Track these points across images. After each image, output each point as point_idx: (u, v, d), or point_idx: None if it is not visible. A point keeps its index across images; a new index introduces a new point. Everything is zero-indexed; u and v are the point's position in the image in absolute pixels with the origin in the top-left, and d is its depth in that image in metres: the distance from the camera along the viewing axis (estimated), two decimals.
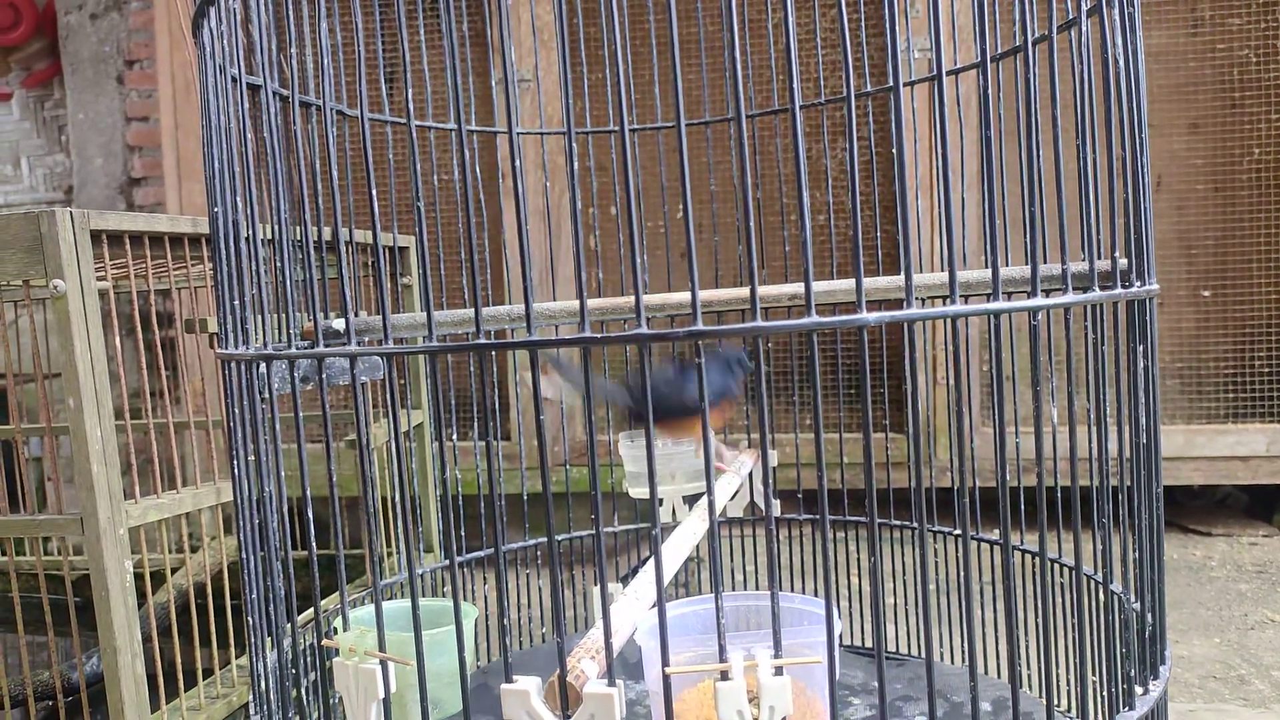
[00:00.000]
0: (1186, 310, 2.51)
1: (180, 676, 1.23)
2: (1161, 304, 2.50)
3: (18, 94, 3.34)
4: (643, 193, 1.44)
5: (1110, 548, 0.83)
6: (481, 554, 1.29)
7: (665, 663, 0.63)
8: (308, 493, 0.75)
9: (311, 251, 0.80)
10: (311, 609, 0.78)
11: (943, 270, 1.12)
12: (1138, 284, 0.80)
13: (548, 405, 2.57)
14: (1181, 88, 2.46)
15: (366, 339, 0.93)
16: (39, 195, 3.36)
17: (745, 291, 0.90)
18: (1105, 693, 0.81)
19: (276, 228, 0.81)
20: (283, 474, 0.80)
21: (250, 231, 0.80)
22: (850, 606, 1.33)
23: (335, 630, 0.75)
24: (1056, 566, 1.09)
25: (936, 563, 1.29)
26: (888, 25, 0.62)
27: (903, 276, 0.63)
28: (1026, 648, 1.19)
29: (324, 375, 0.74)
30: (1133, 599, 0.84)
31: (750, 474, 1.25)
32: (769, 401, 1.39)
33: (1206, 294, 2.50)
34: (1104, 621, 0.86)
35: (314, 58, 0.95)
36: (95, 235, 1.08)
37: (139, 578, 1.14)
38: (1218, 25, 2.44)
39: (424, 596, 1.25)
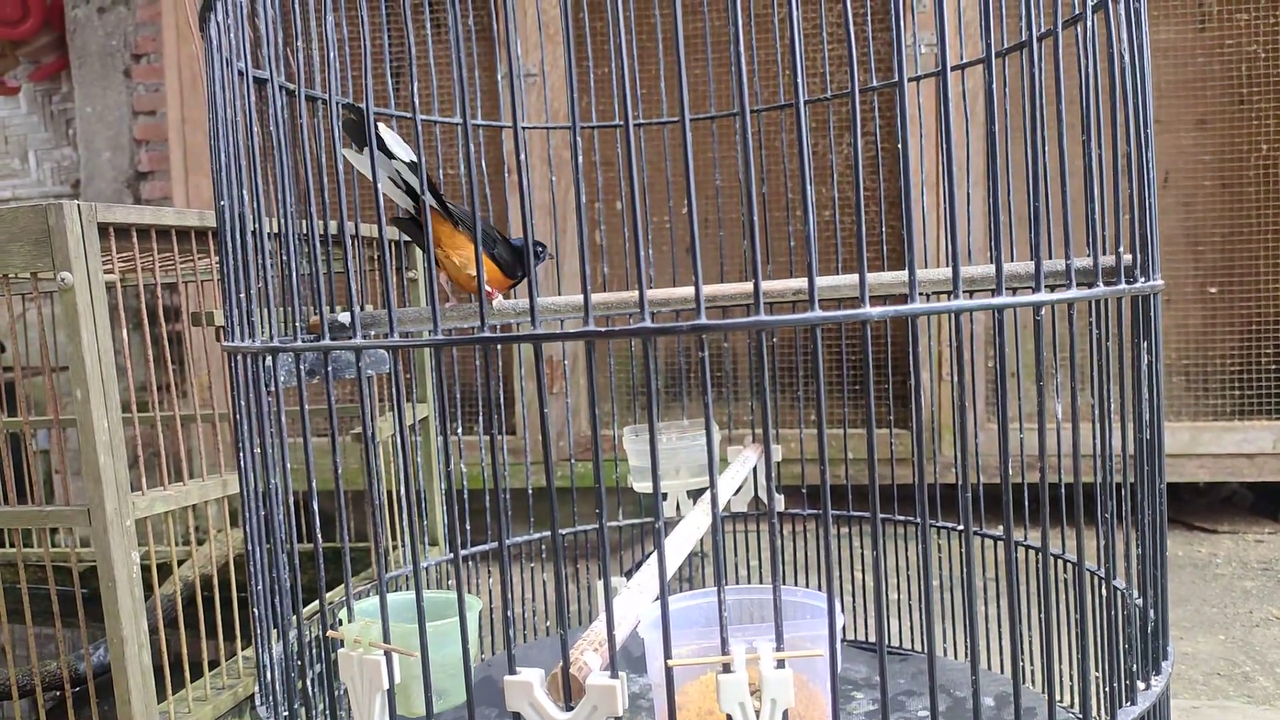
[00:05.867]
0: (1193, 307, 2.51)
1: (186, 668, 1.23)
2: (1168, 301, 2.49)
3: (25, 88, 3.34)
4: (648, 188, 1.44)
5: (1113, 543, 0.83)
6: (486, 548, 1.29)
7: (668, 655, 0.64)
8: (313, 485, 0.76)
9: (317, 245, 0.80)
10: (317, 601, 0.79)
11: (948, 266, 1.12)
12: (1142, 280, 0.80)
13: (553, 398, 2.57)
14: (1189, 83, 2.45)
15: (373, 332, 0.93)
16: (46, 189, 3.37)
17: (749, 286, 0.90)
18: (1107, 688, 0.81)
19: (282, 221, 0.81)
20: (288, 466, 0.81)
21: (256, 225, 0.81)
22: (854, 601, 1.33)
23: (340, 622, 0.75)
24: (1059, 562, 1.10)
25: (940, 558, 1.29)
26: (893, 20, 0.63)
27: (906, 271, 0.63)
28: (1029, 643, 1.19)
29: (330, 368, 0.75)
30: (1135, 594, 0.84)
31: (755, 469, 1.25)
32: (773, 397, 1.39)
33: (1213, 291, 2.49)
34: (1106, 617, 0.87)
35: (320, 51, 0.95)
36: (102, 228, 1.09)
37: (146, 569, 1.15)
38: (1226, 20, 2.43)
39: (429, 589, 1.25)
